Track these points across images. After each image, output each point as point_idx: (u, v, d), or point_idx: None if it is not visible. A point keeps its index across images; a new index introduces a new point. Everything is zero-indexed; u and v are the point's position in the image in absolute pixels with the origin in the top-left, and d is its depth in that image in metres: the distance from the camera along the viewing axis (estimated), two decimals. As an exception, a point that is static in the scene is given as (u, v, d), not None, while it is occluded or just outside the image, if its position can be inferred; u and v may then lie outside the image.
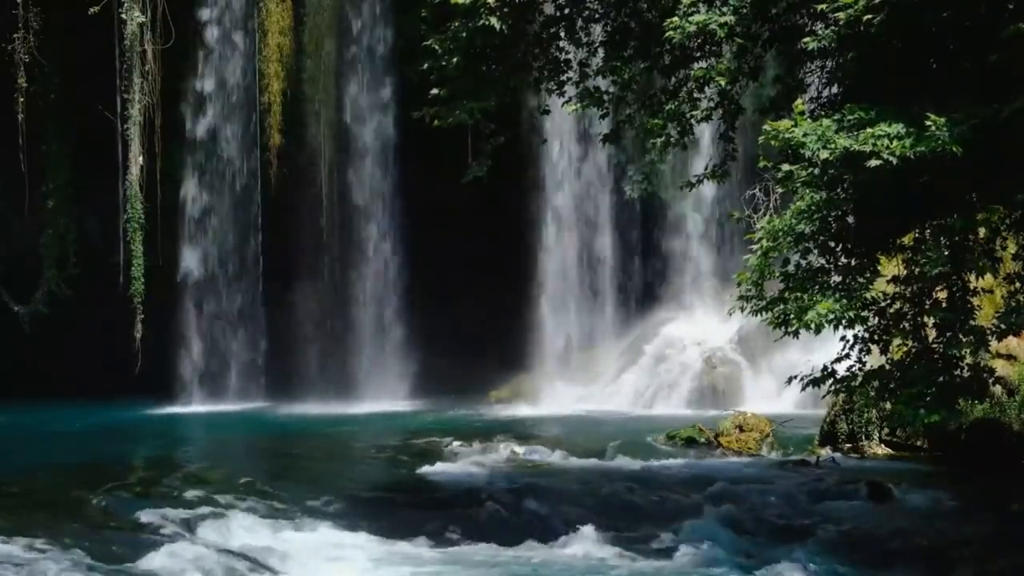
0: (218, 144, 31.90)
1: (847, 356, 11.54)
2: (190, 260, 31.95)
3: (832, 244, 10.86)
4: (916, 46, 10.46)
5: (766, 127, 10.64)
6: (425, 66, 13.40)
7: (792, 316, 10.59)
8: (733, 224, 17.42)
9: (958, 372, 10.81)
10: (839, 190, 10.48)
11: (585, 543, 13.38)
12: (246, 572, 12.25)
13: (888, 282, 11.21)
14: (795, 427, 20.68)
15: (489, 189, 24.22)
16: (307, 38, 31.66)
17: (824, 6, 10.71)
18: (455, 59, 13.09)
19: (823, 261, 10.93)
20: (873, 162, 9.67)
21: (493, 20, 12.71)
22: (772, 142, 10.54)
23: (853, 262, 10.91)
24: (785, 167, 10.59)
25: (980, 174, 10.21)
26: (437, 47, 13.18)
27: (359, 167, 31.55)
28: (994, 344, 10.74)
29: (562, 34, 14.02)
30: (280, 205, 31.46)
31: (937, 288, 10.79)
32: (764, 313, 10.96)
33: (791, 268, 10.95)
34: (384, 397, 29.82)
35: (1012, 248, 11.22)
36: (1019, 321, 10.53)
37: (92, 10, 28.57)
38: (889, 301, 11.17)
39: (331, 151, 31.68)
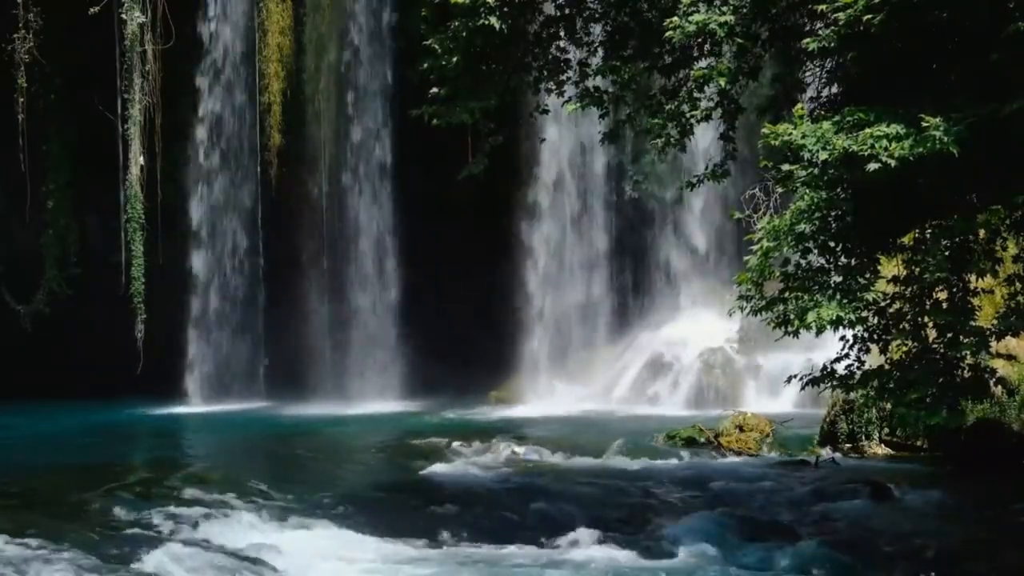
0: (218, 144, 31.91)
1: (846, 356, 11.55)
2: (190, 260, 31.97)
3: (832, 244, 10.85)
4: (916, 46, 10.46)
5: (765, 129, 10.65)
6: (425, 65, 13.40)
7: (792, 316, 10.59)
8: (733, 224, 17.42)
9: (959, 373, 10.81)
10: (839, 190, 10.49)
11: (585, 543, 13.38)
12: (246, 572, 12.25)
13: (888, 282, 11.21)
14: (795, 427, 20.68)
15: (488, 188, 24.34)
16: (307, 38, 31.68)
17: (824, 6, 10.71)
18: (455, 59, 13.09)
19: (823, 261, 10.93)
20: (872, 166, 9.67)
21: (493, 20, 12.71)
22: (772, 142, 10.55)
23: (853, 262, 10.91)
24: (785, 167, 10.59)
25: (980, 175, 10.21)
26: (437, 46, 13.18)
27: (359, 167, 31.55)
28: (994, 344, 10.74)
29: (562, 34, 14.02)
30: (280, 205, 31.47)
31: (937, 288, 10.79)
32: (764, 313, 10.96)
33: (791, 268, 10.96)
34: (385, 397, 29.84)
35: (1012, 249, 11.22)
36: (1019, 323, 10.53)
37: (92, 10, 28.60)
38: (889, 301, 11.17)
39: (331, 151, 31.69)
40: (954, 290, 10.74)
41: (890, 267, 11.39)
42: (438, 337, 30.28)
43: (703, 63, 12.53)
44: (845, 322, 10.39)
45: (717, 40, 11.93)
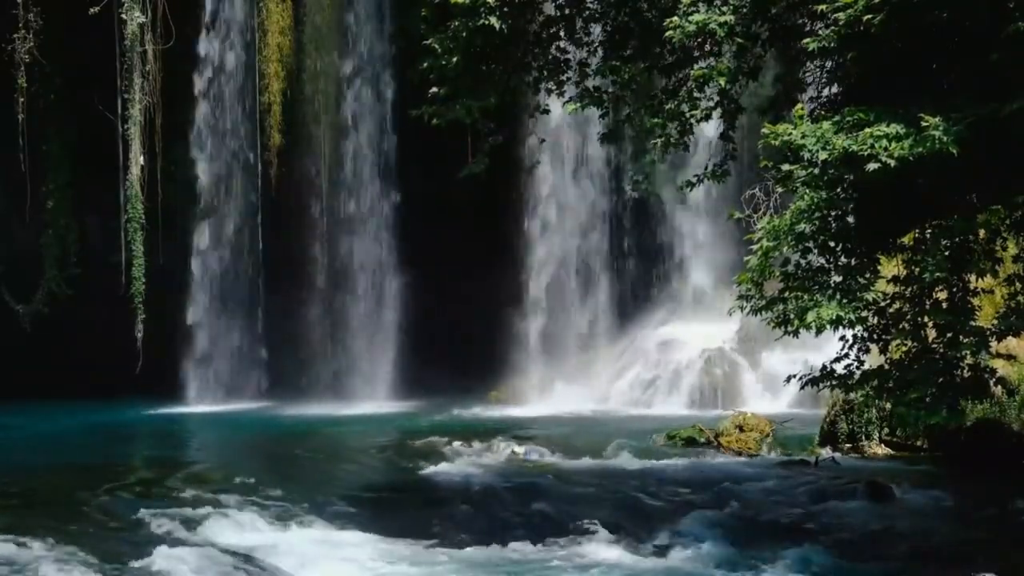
0: (218, 144, 31.91)
1: (846, 355, 11.55)
2: (190, 260, 31.96)
3: (832, 244, 10.86)
4: (916, 46, 10.46)
5: (765, 129, 10.65)
6: (425, 65, 13.40)
7: (792, 316, 10.60)
8: (733, 224, 17.39)
9: (958, 372, 10.81)
10: (839, 190, 10.49)
11: (585, 543, 13.38)
12: (246, 572, 12.25)
13: (888, 282, 11.22)
14: (795, 427, 20.67)
15: (488, 188, 24.35)
16: (307, 38, 31.68)
17: (824, 6, 10.71)
18: (455, 58, 13.09)
19: (823, 261, 10.94)
20: (872, 165, 9.68)
21: (493, 20, 12.71)
22: (772, 142, 10.56)
23: (853, 262, 10.91)
24: (785, 167, 10.60)
25: (980, 175, 10.21)
26: (437, 46, 13.18)
27: (358, 167, 31.55)
28: (994, 344, 10.74)
29: (562, 34, 14.02)
30: (280, 205, 31.48)
31: (937, 288, 10.79)
32: (764, 313, 10.97)
33: (791, 268, 10.96)
34: (384, 397, 29.83)
35: (1012, 249, 11.22)
36: (1019, 323, 10.54)
37: (92, 10, 28.59)
38: (889, 301, 11.18)
39: (331, 151, 31.69)
40: (954, 290, 10.75)
41: (890, 267, 11.39)
42: (438, 337, 30.28)
43: (703, 63, 12.53)
44: (845, 322, 10.40)
45: (717, 40, 11.94)
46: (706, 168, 13.59)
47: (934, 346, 10.87)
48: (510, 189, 30.21)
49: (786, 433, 20.39)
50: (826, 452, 18.70)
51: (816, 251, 10.82)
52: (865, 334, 11.34)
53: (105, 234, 31.62)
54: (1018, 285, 10.97)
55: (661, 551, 13.11)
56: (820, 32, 11.12)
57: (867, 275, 10.79)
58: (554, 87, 14.32)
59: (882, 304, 11.05)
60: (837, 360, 11.58)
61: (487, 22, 12.72)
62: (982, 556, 12.50)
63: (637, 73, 13.45)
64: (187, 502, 15.04)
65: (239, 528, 13.87)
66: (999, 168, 10.12)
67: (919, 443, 18.59)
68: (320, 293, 31.94)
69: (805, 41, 11.10)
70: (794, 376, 11.89)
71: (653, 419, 24.24)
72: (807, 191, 10.49)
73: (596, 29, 14.15)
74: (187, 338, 31.85)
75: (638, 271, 31.72)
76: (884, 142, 9.65)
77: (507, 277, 30.73)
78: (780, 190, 11.59)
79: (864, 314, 10.59)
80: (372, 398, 29.67)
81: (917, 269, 10.73)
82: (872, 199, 10.50)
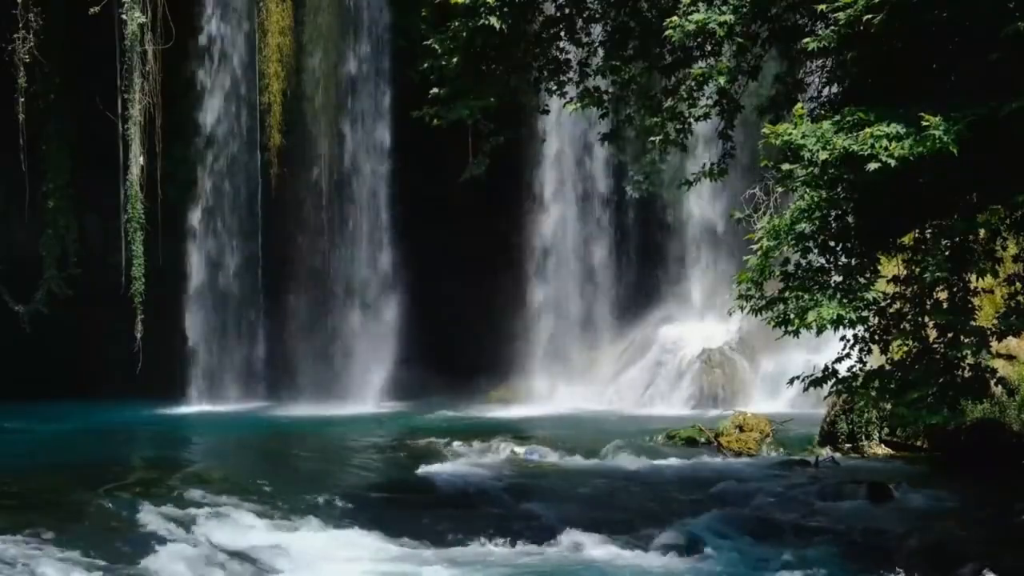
0: (218, 144, 31.90)
1: (848, 356, 11.55)
2: (190, 260, 31.94)
3: (832, 243, 10.87)
4: (916, 46, 10.47)
5: (766, 129, 10.66)
6: (425, 66, 13.41)
7: (793, 316, 10.60)
8: (733, 223, 17.34)
9: (959, 372, 10.81)
10: (839, 189, 10.50)
11: (585, 543, 13.38)
12: (246, 572, 12.27)
13: (888, 282, 11.22)
14: (795, 427, 20.67)
15: (488, 188, 24.35)
16: (307, 38, 31.66)
17: (824, 6, 10.72)
18: (455, 59, 13.10)
19: (823, 260, 10.94)
20: (872, 165, 9.68)
21: (493, 20, 12.71)
22: (772, 142, 10.57)
23: (853, 262, 10.92)
24: (785, 166, 10.60)
25: (980, 174, 10.21)
26: (437, 47, 13.19)
27: (358, 167, 31.55)
28: (994, 344, 10.74)
29: (562, 34, 14.03)
30: (280, 205, 31.47)
31: (937, 288, 10.80)
32: (764, 312, 10.97)
33: (791, 268, 10.97)
34: (384, 397, 29.83)
35: (1012, 249, 11.23)
36: (1019, 323, 10.54)
37: (92, 10, 28.55)
38: (889, 301, 11.18)
39: (331, 151, 31.67)
40: (954, 290, 10.75)
41: (890, 267, 11.39)
42: (438, 337, 30.27)
43: (703, 62, 12.54)
44: (846, 321, 10.40)
45: (717, 40, 11.94)
46: (704, 167, 13.60)
47: (935, 346, 10.88)
48: (510, 189, 30.19)
49: (786, 433, 20.39)
50: (826, 452, 18.70)
51: (816, 251, 10.84)
52: (866, 334, 11.35)
53: (105, 234, 31.61)
54: (1018, 285, 10.98)
55: (661, 551, 13.10)
56: (820, 32, 11.13)
57: (867, 275, 10.80)
58: (554, 87, 14.32)
59: (883, 304, 11.05)
60: (839, 360, 11.58)
61: (487, 22, 12.72)
62: (982, 556, 12.50)
63: (637, 73, 13.46)
64: (187, 502, 15.04)
65: (239, 528, 13.87)
66: (999, 168, 10.12)
67: (919, 443, 18.59)
68: (320, 293, 31.91)
69: (805, 41, 11.10)
70: (797, 377, 11.87)
71: (653, 419, 24.25)
72: (807, 191, 10.50)
73: (596, 29, 14.15)
74: (186, 338, 31.83)
75: (639, 271, 31.69)
76: (884, 142, 9.66)
77: (507, 278, 30.72)
78: (780, 190, 11.59)
79: (865, 314, 10.60)
80: (372, 398, 29.66)
81: (917, 269, 10.74)
82: (872, 199, 10.50)
